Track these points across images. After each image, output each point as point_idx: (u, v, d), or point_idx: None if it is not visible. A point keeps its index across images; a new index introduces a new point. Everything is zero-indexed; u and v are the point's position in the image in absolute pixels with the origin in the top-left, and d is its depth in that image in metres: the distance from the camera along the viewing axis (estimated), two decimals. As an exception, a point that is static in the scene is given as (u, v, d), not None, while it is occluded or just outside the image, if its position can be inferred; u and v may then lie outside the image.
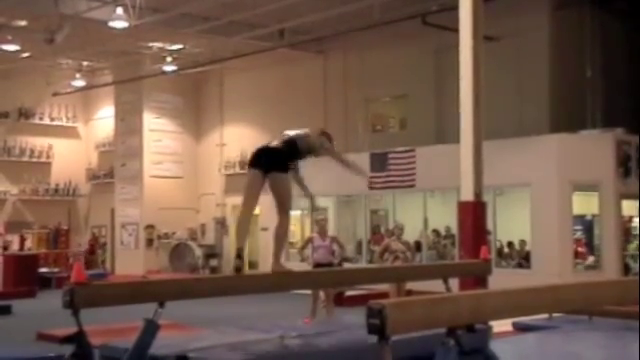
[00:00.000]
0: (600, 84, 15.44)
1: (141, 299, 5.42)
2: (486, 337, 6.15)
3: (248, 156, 23.31)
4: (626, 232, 14.22)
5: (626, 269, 13.68)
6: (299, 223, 17.77)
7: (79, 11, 15.20)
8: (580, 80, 15.32)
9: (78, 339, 5.08)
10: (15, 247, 18.57)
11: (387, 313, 3.37)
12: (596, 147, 13.72)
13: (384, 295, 9.65)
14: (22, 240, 19.12)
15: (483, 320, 5.15)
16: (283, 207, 5.81)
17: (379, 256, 10.83)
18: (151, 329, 5.38)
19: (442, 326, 3.84)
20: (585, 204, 14.10)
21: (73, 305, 4.91)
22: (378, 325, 3.37)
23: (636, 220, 14.56)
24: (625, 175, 13.69)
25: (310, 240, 10.78)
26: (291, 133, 6.04)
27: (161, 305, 5.35)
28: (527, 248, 14.02)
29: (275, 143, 5.93)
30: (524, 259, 13.98)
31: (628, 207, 14.05)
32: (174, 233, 20.78)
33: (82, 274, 5.12)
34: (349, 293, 12.89)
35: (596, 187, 13.67)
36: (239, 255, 5.55)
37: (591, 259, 13.83)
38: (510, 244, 14.54)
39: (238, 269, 5.53)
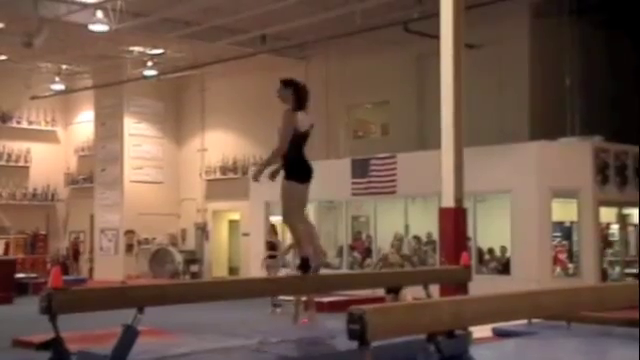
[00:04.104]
0: (579, 92, 15.60)
1: (120, 305, 5.37)
2: (466, 343, 6.16)
3: (229, 162, 23.02)
4: (604, 239, 14.37)
5: (604, 275, 13.81)
6: (280, 229, 17.68)
7: (59, 14, 15.07)
8: (559, 88, 15.46)
9: (55, 345, 5.02)
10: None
11: (368, 319, 3.36)
12: (575, 154, 13.85)
13: (367, 301, 9.62)
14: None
15: (463, 326, 5.17)
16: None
17: (374, 268, 10.74)
18: (130, 335, 5.32)
19: (422, 332, 3.85)
20: (564, 211, 14.22)
21: (50, 311, 4.86)
22: (359, 330, 3.37)
23: (614, 227, 14.72)
24: (603, 182, 13.84)
25: (292, 246, 10.76)
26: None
27: (140, 311, 5.30)
28: (507, 254, 14.10)
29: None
30: (504, 265, 14.04)
31: (606, 214, 14.20)
32: (154, 238, 20.65)
33: (60, 279, 5.06)
34: (331, 299, 12.86)
35: (575, 194, 13.80)
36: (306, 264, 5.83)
37: (570, 266, 13.95)
38: (490, 250, 14.61)
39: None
